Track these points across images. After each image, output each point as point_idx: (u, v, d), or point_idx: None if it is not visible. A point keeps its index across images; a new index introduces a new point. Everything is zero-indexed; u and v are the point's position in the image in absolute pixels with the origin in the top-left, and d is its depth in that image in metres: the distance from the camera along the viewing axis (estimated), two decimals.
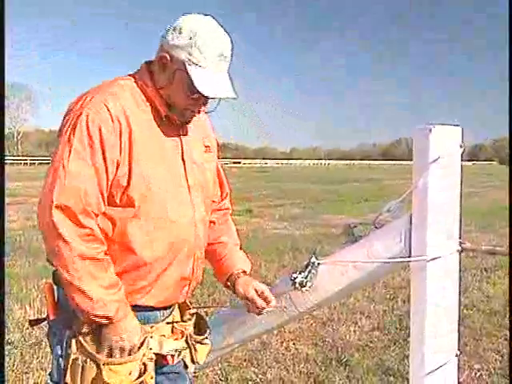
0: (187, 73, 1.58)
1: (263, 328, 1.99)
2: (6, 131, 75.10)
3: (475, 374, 3.67)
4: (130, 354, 1.62)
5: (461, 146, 1.62)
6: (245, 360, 3.86)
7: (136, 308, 1.66)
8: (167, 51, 1.61)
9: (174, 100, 1.65)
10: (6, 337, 3.91)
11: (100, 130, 1.53)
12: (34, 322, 1.86)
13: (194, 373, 3.13)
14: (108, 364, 1.61)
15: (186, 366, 1.87)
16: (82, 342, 1.62)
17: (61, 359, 1.66)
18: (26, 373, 3.57)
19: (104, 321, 1.56)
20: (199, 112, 1.73)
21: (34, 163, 60.01)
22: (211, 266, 1.97)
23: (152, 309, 1.71)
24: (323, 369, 3.74)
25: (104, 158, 1.54)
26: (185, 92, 1.63)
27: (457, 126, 1.65)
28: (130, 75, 1.71)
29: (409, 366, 1.73)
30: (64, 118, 1.61)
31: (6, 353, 3.76)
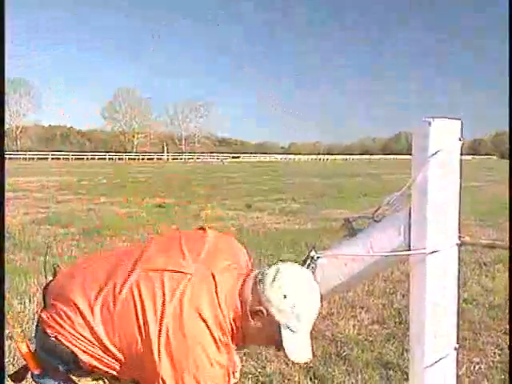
0: (279, 334, 1.60)
1: None
2: (5, 126, 74.98)
3: (474, 367, 3.68)
4: None
5: (460, 139, 1.62)
6: (244, 354, 3.86)
7: None
8: (265, 306, 1.60)
9: (250, 341, 1.71)
10: (6, 331, 3.91)
11: None
12: (16, 377, 1.86)
13: None
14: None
15: None
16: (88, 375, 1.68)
17: None
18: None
19: None
20: None
21: (33, 158, 60.05)
22: None
23: None
24: (322, 363, 3.75)
25: None
26: (267, 343, 1.71)
27: (457, 119, 1.65)
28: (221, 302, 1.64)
29: (408, 360, 1.73)
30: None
31: (6, 348, 3.77)
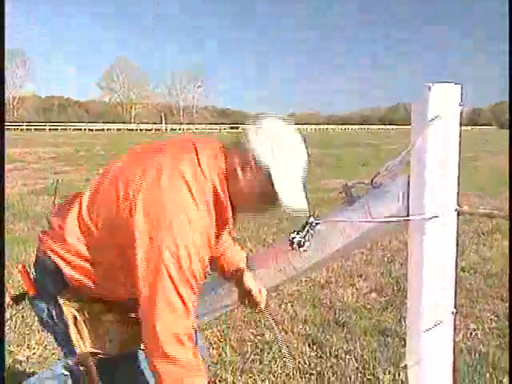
0: (271, 183, 1.56)
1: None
2: None
3: (471, 333, 3.72)
4: None
5: (460, 105, 1.60)
6: (243, 321, 3.90)
7: None
8: (253, 155, 1.57)
9: (240, 202, 1.65)
10: (7, 300, 3.94)
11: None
12: (15, 300, 1.89)
13: None
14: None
15: None
16: (74, 301, 1.70)
17: (57, 327, 1.73)
18: (28, 334, 3.62)
19: None
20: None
21: (31, 129, 59.72)
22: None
23: None
24: (321, 330, 3.79)
25: None
26: (258, 202, 1.64)
27: (457, 83, 1.62)
28: (202, 161, 1.61)
29: (405, 328, 1.74)
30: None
31: (8, 315, 3.81)
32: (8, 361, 3.25)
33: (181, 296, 1.50)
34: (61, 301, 1.69)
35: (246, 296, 1.97)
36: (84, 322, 1.69)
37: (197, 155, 1.60)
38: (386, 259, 5.65)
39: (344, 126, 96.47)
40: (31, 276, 1.78)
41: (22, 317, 3.83)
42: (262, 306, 1.97)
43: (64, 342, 1.72)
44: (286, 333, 3.74)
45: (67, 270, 1.67)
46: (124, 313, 1.77)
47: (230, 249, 2.04)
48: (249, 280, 1.95)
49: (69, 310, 1.69)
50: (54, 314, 1.71)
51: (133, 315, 1.71)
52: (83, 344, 1.68)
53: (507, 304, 4.15)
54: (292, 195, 1.59)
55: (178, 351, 1.50)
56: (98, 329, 1.72)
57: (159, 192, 1.53)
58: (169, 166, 1.58)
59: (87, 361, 1.70)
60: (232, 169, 1.61)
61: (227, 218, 1.65)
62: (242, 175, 1.59)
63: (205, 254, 1.57)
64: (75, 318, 1.68)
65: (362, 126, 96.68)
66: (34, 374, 3.03)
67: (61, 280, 1.68)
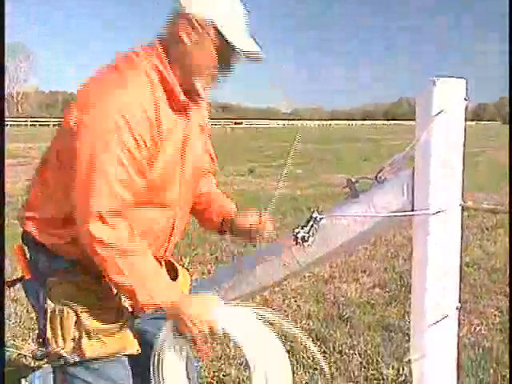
0: (221, 35, 1.54)
1: (265, 282, 2.01)
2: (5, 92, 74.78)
3: (474, 329, 3.72)
4: None
5: (465, 99, 1.59)
6: None
7: None
8: (192, 16, 1.53)
9: (197, 70, 1.59)
10: (12, 294, 3.96)
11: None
12: (10, 283, 1.90)
13: None
14: (86, 312, 1.65)
15: None
16: (57, 294, 1.66)
17: (40, 314, 1.70)
18: (33, 328, 3.63)
19: None
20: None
21: (35, 124, 59.74)
22: (197, 218, 2.01)
23: None
24: (325, 325, 3.79)
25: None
26: (213, 56, 1.57)
27: (462, 78, 1.62)
28: (138, 51, 1.60)
29: (409, 323, 1.74)
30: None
31: (12, 310, 3.83)
32: (13, 355, 3.26)
33: (106, 174, 1.46)
34: (49, 285, 1.66)
35: (247, 237, 1.93)
36: (61, 318, 1.63)
37: (136, 53, 1.60)
38: (389, 254, 5.65)
39: (348, 122, 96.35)
40: (26, 256, 1.78)
41: (27, 311, 3.84)
42: (268, 229, 1.92)
43: (42, 331, 1.68)
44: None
45: (36, 232, 1.69)
46: (105, 322, 1.67)
47: (217, 200, 2.00)
48: (237, 224, 1.92)
49: (51, 299, 1.65)
50: (40, 298, 1.68)
51: (111, 325, 1.66)
52: (54, 341, 1.63)
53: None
54: (244, 42, 1.58)
55: (99, 230, 1.47)
56: (73, 331, 1.63)
57: (90, 84, 1.57)
58: (107, 68, 1.61)
59: (55, 359, 1.66)
60: (174, 40, 1.58)
61: (177, 97, 1.60)
62: (187, 40, 1.56)
63: (143, 130, 1.51)
64: (55, 311, 1.63)
65: (366, 122, 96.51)
66: (38, 368, 3.05)
67: (38, 249, 1.70)
